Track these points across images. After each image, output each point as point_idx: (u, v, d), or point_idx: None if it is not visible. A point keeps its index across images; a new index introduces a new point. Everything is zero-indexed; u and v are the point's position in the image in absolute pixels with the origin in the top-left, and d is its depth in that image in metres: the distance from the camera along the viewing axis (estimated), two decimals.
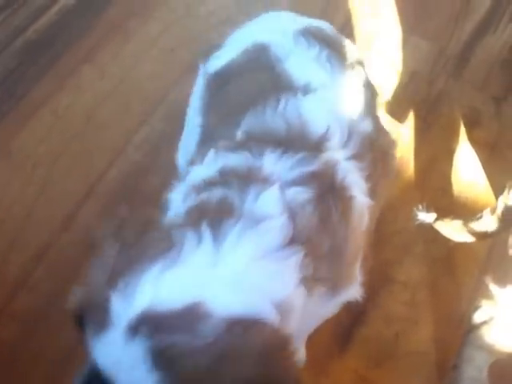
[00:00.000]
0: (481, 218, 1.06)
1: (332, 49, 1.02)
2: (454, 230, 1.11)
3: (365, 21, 1.68)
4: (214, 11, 1.63)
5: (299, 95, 0.94)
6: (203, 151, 0.94)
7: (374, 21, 1.69)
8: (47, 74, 1.55)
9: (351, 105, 0.98)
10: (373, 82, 1.05)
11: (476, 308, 1.13)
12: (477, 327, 1.10)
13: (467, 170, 1.45)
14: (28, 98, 1.51)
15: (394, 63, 1.59)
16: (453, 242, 1.14)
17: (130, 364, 0.71)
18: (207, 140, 1.01)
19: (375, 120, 0.99)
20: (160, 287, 0.70)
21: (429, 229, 1.18)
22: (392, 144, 1.04)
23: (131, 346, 0.70)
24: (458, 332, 1.20)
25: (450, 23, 1.71)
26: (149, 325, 0.70)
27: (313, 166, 0.86)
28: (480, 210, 1.11)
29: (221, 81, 1.07)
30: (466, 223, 1.11)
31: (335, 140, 0.91)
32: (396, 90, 1.56)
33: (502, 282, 1.07)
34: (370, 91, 1.03)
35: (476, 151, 1.48)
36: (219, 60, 1.09)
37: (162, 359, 0.70)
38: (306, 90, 0.95)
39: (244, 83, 1.02)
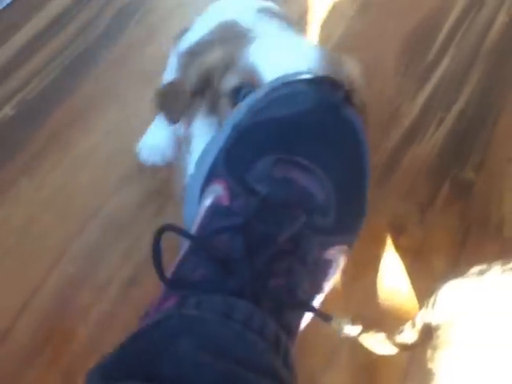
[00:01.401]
0: (402, 331, 1.10)
1: (286, 20, 1.24)
2: (377, 343, 1.15)
3: None
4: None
5: None
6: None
7: None
8: None
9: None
10: None
11: None
12: None
13: (392, 278, 1.50)
14: None
15: None
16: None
17: None
18: None
19: None
20: None
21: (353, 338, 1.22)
22: None
23: None
24: None
25: (378, 132, 1.77)
26: None
27: None
28: (404, 316, 1.15)
29: (192, 56, 1.20)
30: (388, 336, 1.14)
31: None
32: None
33: None
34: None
35: (401, 258, 1.53)
36: (189, 39, 1.28)
37: None
38: None
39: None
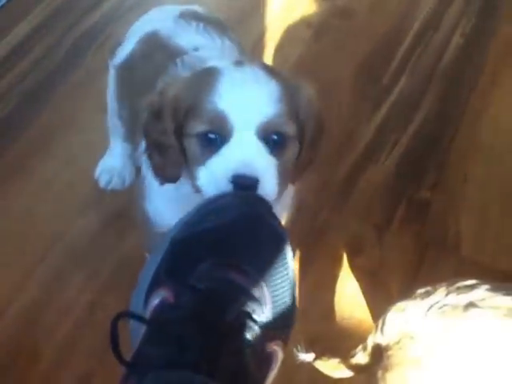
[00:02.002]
0: (355, 354, 1.13)
1: (206, 22, 1.30)
2: (331, 368, 1.18)
3: None
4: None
5: (191, 53, 1.20)
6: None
7: None
8: None
9: (231, 53, 1.26)
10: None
11: None
12: None
13: (349, 298, 1.52)
14: None
15: None
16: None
17: None
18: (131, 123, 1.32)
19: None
20: None
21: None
22: None
23: None
24: None
25: (334, 154, 1.80)
26: None
27: None
28: (362, 335, 1.17)
29: (126, 71, 1.33)
30: (342, 361, 1.17)
31: None
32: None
33: None
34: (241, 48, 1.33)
35: (358, 279, 1.55)
36: (122, 52, 1.36)
37: None
38: (196, 50, 1.22)
39: (146, 66, 1.25)
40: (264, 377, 0.86)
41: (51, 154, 1.73)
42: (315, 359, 1.19)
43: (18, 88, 1.88)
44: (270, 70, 1.05)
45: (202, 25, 1.29)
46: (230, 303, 0.82)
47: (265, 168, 1.00)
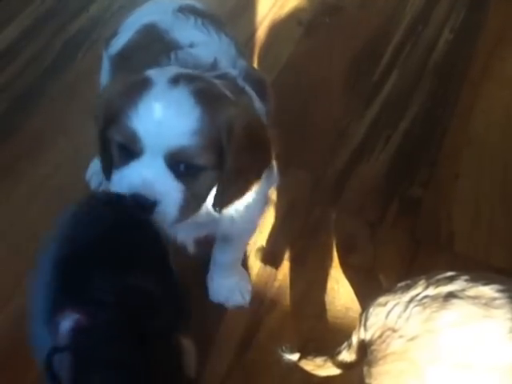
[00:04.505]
0: (340, 352, 1.13)
1: (204, 17, 1.30)
2: (317, 367, 1.18)
3: None
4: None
5: (186, 49, 1.21)
6: None
7: None
8: None
9: (228, 50, 1.27)
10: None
11: None
12: None
13: (343, 296, 1.52)
14: None
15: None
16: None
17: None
18: None
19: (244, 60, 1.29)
20: None
21: None
22: (263, 77, 1.29)
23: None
24: None
25: (327, 151, 1.80)
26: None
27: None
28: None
29: (122, 59, 1.31)
30: (328, 359, 1.17)
31: (224, 64, 1.19)
32: (274, 221, 1.62)
33: None
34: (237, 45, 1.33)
35: (351, 276, 1.55)
36: (118, 43, 1.34)
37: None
38: (192, 45, 1.22)
39: (142, 56, 1.24)
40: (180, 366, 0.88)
41: (41, 157, 1.72)
42: (300, 359, 1.20)
43: (7, 91, 1.88)
44: (202, 94, 1.05)
45: (200, 20, 1.30)
46: (144, 312, 0.85)
47: (164, 192, 1.04)
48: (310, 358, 1.18)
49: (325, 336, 1.42)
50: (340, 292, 1.53)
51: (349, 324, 1.47)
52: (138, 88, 1.04)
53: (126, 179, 1.05)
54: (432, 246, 1.65)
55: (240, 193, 1.15)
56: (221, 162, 1.07)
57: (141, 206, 1.02)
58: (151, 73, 1.09)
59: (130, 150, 1.05)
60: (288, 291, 1.51)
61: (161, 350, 0.83)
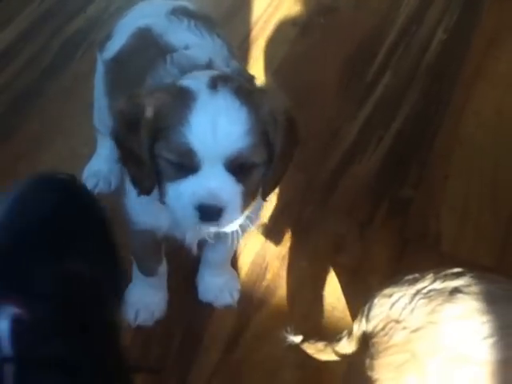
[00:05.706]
0: (340, 339, 1.16)
1: (196, 19, 1.31)
2: (318, 351, 1.21)
3: None
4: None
5: (181, 51, 1.21)
6: None
7: None
8: None
9: (221, 51, 1.26)
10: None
11: None
12: None
13: (330, 295, 1.55)
14: None
15: None
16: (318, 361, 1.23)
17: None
18: None
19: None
20: None
21: (295, 354, 1.28)
22: (254, 78, 1.26)
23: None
24: None
25: (319, 152, 1.82)
26: None
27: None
28: (340, 332, 1.20)
29: (117, 64, 1.32)
30: (328, 344, 1.20)
31: (218, 64, 1.19)
32: (267, 222, 1.66)
33: None
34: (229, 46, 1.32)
35: (339, 275, 1.58)
36: (112, 47, 1.35)
37: None
38: (186, 47, 1.22)
39: (137, 61, 1.26)
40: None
41: (38, 158, 1.74)
42: (303, 341, 1.23)
43: (4, 93, 1.90)
44: (241, 92, 1.07)
45: (193, 22, 1.30)
46: (85, 299, 0.85)
47: (230, 198, 1.07)
48: (311, 341, 1.21)
49: (313, 332, 1.44)
50: (327, 291, 1.55)
51: (335, 323, 1.51)
52: (182, 101, 1.05)
53: (188, 193, 1.06)
54: (420, 245, 1.68)
55: (282, 178, 1.18)
56: (269, 153, 1.09)
57: (209, 216, 1.05)
58: (187, 82, 1.09)
59: (185, 166, 1.05)
60: (276, 291, 1.54)
61: (103, 337, 0.83)
